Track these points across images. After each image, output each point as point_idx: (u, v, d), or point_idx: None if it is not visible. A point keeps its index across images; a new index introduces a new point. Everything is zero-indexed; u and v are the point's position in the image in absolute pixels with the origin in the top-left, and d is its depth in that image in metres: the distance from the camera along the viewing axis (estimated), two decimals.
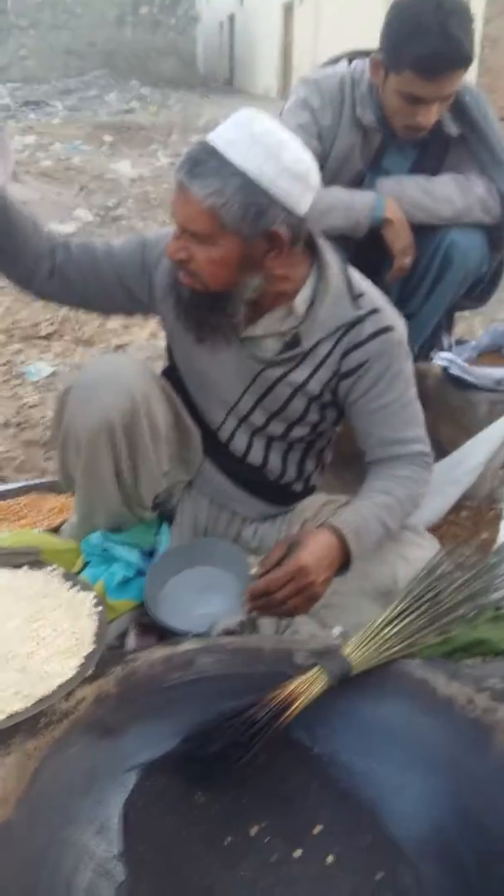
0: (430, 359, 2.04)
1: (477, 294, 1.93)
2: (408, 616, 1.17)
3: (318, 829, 1.03)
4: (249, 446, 1.49)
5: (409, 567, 1.37)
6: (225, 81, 21.47)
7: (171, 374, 1.51)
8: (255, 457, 1.50)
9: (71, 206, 5.97)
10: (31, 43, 19.36)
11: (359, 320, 1.31)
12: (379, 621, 1.16)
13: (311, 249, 1.32)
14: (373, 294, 1.34)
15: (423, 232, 1.77)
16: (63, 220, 5.56)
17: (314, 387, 1.36)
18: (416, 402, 1.39)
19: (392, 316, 1.35)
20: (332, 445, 1.61)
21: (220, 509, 1.59)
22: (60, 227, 5.32)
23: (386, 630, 1.14)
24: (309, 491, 1.59)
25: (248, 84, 19.48)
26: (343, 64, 1.78)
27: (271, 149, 1.12)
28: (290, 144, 1.15)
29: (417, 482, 1.35)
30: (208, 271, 1.20)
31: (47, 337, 3.35)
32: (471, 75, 8.70)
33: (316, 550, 1.17)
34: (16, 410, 2.61)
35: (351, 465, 1.59)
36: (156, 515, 1.58)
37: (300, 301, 1.30)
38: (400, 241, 1.73)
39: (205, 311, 1.27)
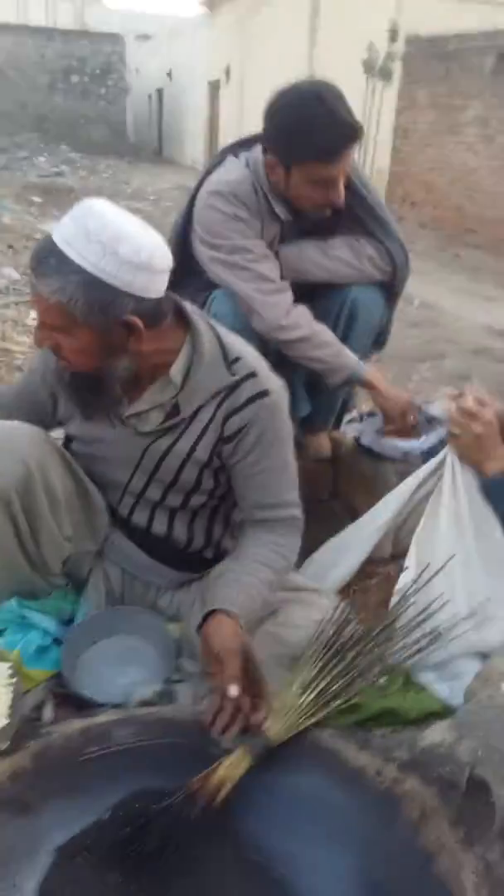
0: (343, 420, 2.15)
1: (376, 342, 2.09)
2: (321, 682, 1.20)
3: None
4: (151, 519, 1.51)
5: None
6: (154, 151, 22.06)
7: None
8: (159, 528, 1.52)
9: None
10: None
11: (236, 385, 1.34)
12: (294, 690, 1.18)
13: (183, 320, 1.35)
14: (250, 359, 1.37)
15: (327, 293, 1.92)
16: None
17: (201, 454, 1.39)
18: (292, 465, 1.42)
19: (270, 380, 1.37)
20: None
21: (133, 578, 1.59)
22: None
23: (302, 699, 1.17)
24: (221, 555, 1.60)
25: (177, 154, 20.09)
26: (236, 163, 1.85)
27: (107, 245, 1.14)
28: (127, 236, 1.16)
29: (293, 550, 1.43)
30: (73, 358, 1.25)
31: None
32: (384, 163, 9.32)
33: (233, 651, 1.18)
34: None
35: None
36: (69, 583, 1.57)
37: (175, 371, 1.32)
38: (392, 405, 1.88)
39: (84, 391, 1.33)
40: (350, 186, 1.83)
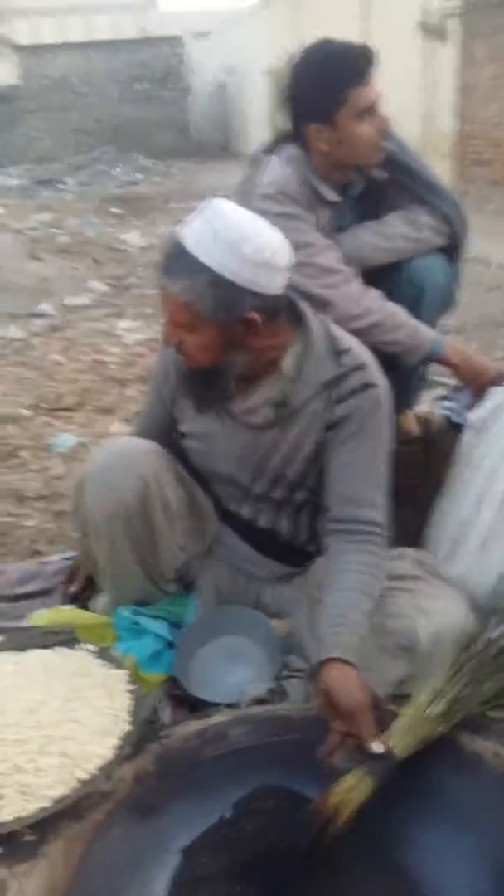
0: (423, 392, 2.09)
1: (444, 304, 1.99)
2: (452, 689, 1.15)
3: None
4: (258, 512, 1.53)
5: (430, 620, 1.37)
6: (220, 147, 22.17)
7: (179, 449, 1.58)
8: (265, 521, 1.54)
9: (84, 279, 6.18)
10: (42, 125, 20.24)
11: (343, 376, 1.36)
12: (422, 700, 1.13)
13: (295, 315, 1.40)
14: (359, 351, 1.39)
15: (390, 270, 1.87)
16: (78, 293, 5.75)
17: (308, 447, 1.41)
18: (382, 468, 1.39)
19: (377, 375, 1.39)
20: None
21: (238, 572, 1.62)
22: (77, 300, 5.51)
23: (430, 709, 1.12)
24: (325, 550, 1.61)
25: (242, 148, 20.00)
26: (275, 162, 1.81)
27: (233, 244, 1.21)
28: (251, 236, 1.22)
29: (383, 569, 1.37)
30: (195, 354, 1.31)
31: (70, 409, 3.46)
32: (448, 125, 8.99)
33: (366, 706, 1.14)
34: (44, 483, 2.68)
35: None
36: (180, 587, 1.62)
37: (287, 364, 1.36)
38: (476, 380, 1.80)
39: (200, 385, 1.38)
40: (391, 159, 1.79)
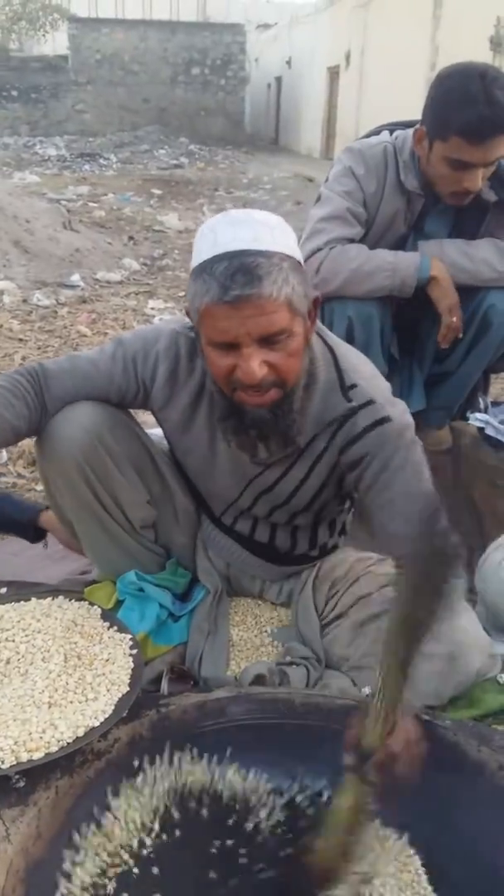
0: (466, 419, 2.06)
1: None
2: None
3: None
4: (254, 529, 1.50)
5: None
6: (270, 141, 22.15)
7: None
8: (262, 536, 1.50)
9: (119, 256, 6.18)
10: (89, 98, 20.27)
11: (352, 413, 1.28)
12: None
13: None
14: (368, 385, 1.29)
15: (463, 294, 1.82)
16: (111, 268, 5.75)
17: (315, 481, 1.36)
18: (424, 493, 1.28)
19: (389, 405, 1.30)
20: (348, 512, 1.57)
21: (241, 572, 1.58)
22: (109, 275, 5.50)
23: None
24: (327, 553, 1.56)
25: (293, 143, 20.08)
26: (385, 134, 1.86)
27: (283, 226, 1.18)
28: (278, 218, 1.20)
29: None
30: (288, 368, 1.17)
31: None
32: None
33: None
34: None
35: None
36: (169, 557, 1.58)
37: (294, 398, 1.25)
38: (446, 299, 1.77)
39: (273, 420, 1.23)
40: (501, 177, 1.76)
